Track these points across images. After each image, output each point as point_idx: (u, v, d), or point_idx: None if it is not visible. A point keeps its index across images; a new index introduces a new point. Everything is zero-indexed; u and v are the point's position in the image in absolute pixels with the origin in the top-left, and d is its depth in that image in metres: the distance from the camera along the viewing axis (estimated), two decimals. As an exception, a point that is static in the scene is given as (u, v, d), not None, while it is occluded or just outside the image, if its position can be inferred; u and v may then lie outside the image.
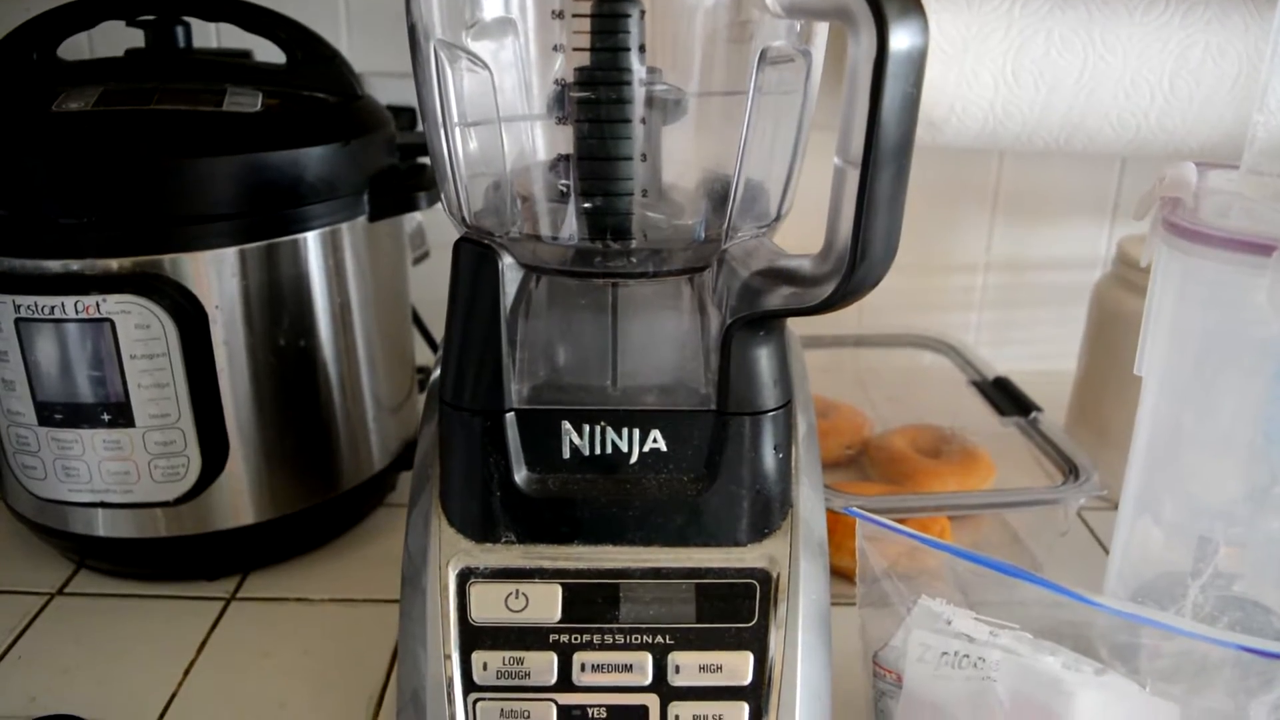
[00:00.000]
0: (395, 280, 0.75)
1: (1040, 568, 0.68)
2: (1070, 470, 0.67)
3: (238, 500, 0.67)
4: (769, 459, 0.47)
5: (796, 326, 0.90)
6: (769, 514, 0.48)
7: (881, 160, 0.39)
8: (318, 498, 0.70)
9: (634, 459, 0.47)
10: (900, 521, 0.51)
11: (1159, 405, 0.50)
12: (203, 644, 0.64)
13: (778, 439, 0.47)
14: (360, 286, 0.69)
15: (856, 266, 0.41)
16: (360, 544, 0.75)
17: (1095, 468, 0.66)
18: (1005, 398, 0.78)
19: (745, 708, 0.46)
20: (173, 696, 0.60)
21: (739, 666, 0.46)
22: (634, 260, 0.46)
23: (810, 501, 0.49)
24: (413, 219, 0.89)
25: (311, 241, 0.65)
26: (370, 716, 0.58)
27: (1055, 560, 0.68)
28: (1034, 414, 0.74)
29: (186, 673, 0.61)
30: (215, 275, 0.62)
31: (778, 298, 0.44)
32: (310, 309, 0.66)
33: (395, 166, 0.72)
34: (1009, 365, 0.86)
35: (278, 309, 0.65)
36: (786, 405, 0.47)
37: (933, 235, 1.00)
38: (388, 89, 0.86)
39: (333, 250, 0.67)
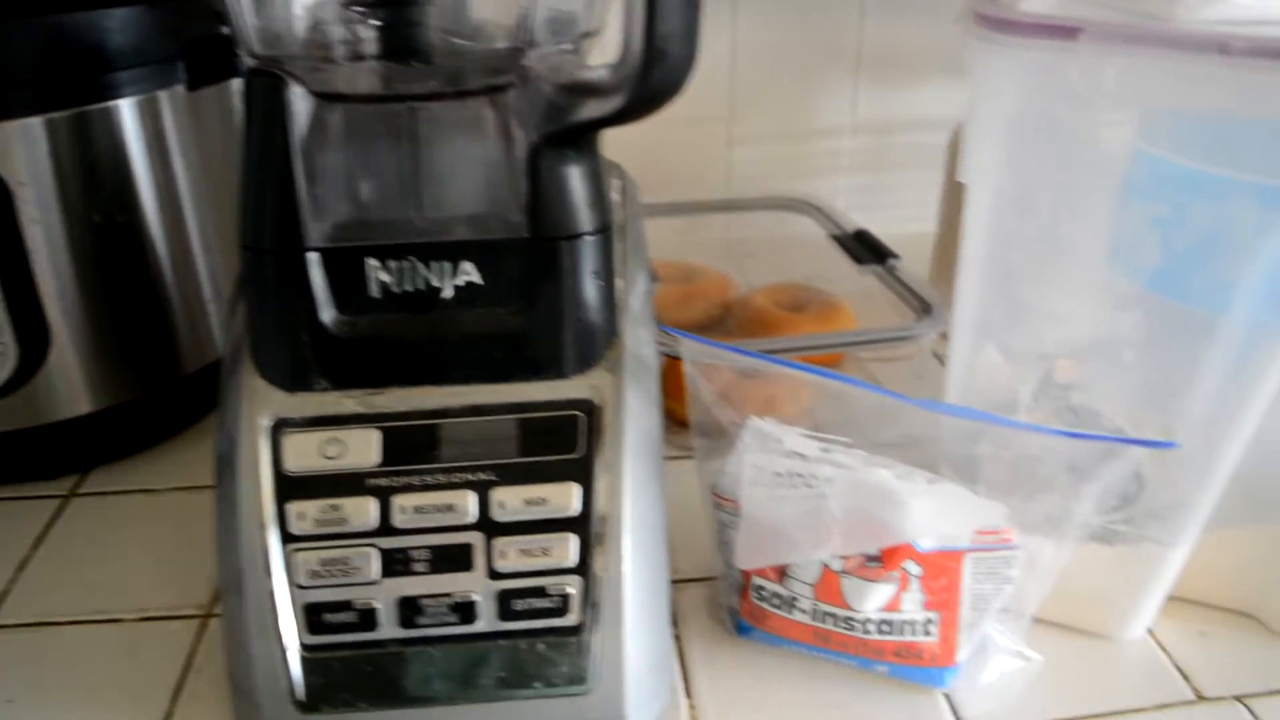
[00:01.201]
0: (228, 156, 0.72)
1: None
2: (924, 309, 0.66)
3: (71, 388, 0.64)
4: (588, 286, 0.45)
5: (664, 192, 0.89)
6: (593, 344, 0.46)
7: (670, -54, 0.37)
8: (158, 383, 0.67)
9: (447, 293, 0.45)
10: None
11: (985, 212, 0.49)
12: (39, 540, 0.61)
13: (596, 264, 0.45)
14: (186, 160, 0.66)
15: (653, 68, 0.39)
16: (209, 434, 0.72)
17: (946, 305, 0.66)
18: (864, 248, 0.77)
19: (573, 539, 0.44)
20: (4, 594, 0.57)
21: (565, 499, 0.44)
22: (432, 82, 0.44)
23: (639, 332, 0.48)
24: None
25: (126, 111, 0.62)
26: (210, 597, 0.56)
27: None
28: (890, 261, 0.74)
29: (20, 569, 0.59)
30: (21, 148, 0.58)
31: (583, 112, 0.42)
32: (130, 183, 0.63)
33: (216, 34, 0.68)
34: (879, 228, 0.84)
35: (94, 184, 0.61)
36: (604, 230, 0.45)
37: (797, 99, 0.98)
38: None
39: (151, 120, 0.63)
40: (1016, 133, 0.46)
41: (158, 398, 0.68)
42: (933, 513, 0.46)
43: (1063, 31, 0.41)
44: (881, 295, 0.72)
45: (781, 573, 0.49)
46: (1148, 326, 0.50)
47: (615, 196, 0.55)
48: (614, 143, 0.94)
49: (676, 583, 0.56)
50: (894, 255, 0.75)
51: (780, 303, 0.74)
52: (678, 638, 0.53)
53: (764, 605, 0.50)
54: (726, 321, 0.76)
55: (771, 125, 0.98)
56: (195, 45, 0.65)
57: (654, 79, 0.39)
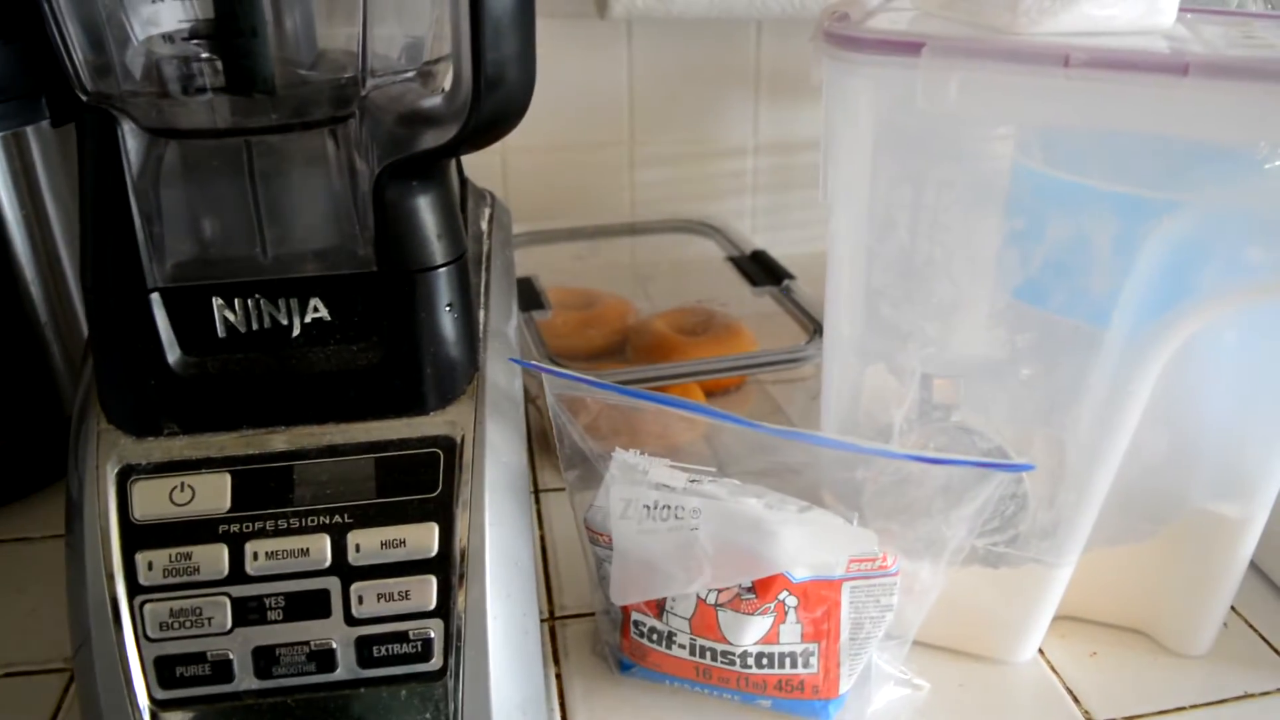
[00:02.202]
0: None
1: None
2: (816, 330, 0.65)
3: (-61, 437, 0.61)
4: (443, 319, 0.44)
5: (567, 217, 0.88)
6: (452, 379, 0.45)
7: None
8: (37, 426, 0.65)
9: (296, 331, 0.44)
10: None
11: (847, 232, 0.48)
12: (-99, 594, 0.59)
13: (451, 297, 0.44)
14: (56, 196, 0.64)
15: (485, 96, 0.38)
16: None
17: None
18: (761, 270, 0.77)
19: (433, 581, 0.43)
20: None
21: (423, 539, 0.43)
22: (273, 114, 0.43)
23: (502, 365, 0.47)
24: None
25: (-11, 148, 0.60)
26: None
27: (811, 424, 0.67)
28: (786, 282, 0.73)
29: (-120, 625, 0.57)
30: None
31: (422, 142, 0.41)
32: (-3, 219, 0.61)
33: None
34: (785, 248, 0.84)
35: (-44, 222, 0.59)
36: (457, 261, 0.44)
37: (698, 121, 0.97)
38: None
39: (18, 156, 0.61)
40: (879, 150, 0.46)
41: (37, 442, 0.66)
42: (804, 542, 0.45)
43: (907, 47, 0.40)
44: (781, 316, 0.72)
45: (659, 607, 0.48)
46: (1028, 344, 0.49)
47: (482, 225, 0.54)
48: (515, 170, 0.93)
49: (560, 619, 0.55)
50: (790, 276, 0.74)
51: (679, 327, 0.73)
52: (559, 676, 0.52)
53: (644, 641, 0.49)
54: (625, 348, 0.75)
55: (674, 147, 0.97)
56: (56, 81, 0.63)
57: (488, 107, 0.38)
